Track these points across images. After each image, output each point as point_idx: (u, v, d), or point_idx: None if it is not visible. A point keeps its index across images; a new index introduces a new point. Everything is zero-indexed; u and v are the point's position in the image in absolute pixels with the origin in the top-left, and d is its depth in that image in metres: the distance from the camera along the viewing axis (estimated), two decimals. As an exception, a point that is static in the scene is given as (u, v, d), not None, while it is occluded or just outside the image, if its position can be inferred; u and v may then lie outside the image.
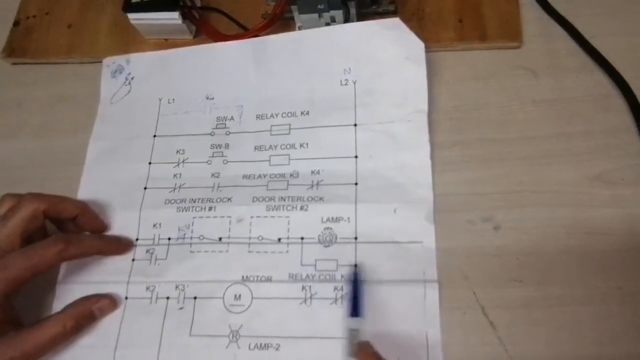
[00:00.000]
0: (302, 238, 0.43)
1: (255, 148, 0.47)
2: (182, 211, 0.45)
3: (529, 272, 0.40)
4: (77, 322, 0.40)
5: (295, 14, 0.48)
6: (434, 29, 0.49)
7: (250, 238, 0.44)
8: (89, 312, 0.41)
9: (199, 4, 0.52)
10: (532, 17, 0.49)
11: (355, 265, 0.41)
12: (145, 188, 0.47)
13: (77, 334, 0.41)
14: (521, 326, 0.39)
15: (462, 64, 0.48)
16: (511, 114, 0.45)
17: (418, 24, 0.49)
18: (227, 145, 0.48)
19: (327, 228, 0.43)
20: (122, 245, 0.45)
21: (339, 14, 0.47)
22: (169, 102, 0.50)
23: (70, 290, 0.44)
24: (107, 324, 0.42)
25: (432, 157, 0.44)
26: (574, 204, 0.42)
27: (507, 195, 0.43)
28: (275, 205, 0.44)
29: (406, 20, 0.46)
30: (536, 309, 0.39)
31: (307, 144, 0.46)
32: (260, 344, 0.40)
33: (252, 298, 0.42)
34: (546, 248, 0.41)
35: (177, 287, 0.43)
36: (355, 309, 0.39)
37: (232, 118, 0.49)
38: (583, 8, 0.48)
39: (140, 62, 0.52)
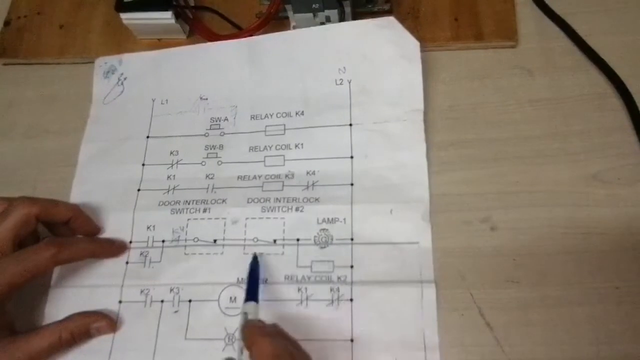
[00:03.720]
0: (297, 239, 0.43)
1: (249, 149, 0.47)
2: (177, 213, 0.45)
3: (526, 273, 0.40)
4: (73, 336, 0.40)
5: (290, 14, 0.48)
6: (429, 28, 0.49)
7: (245, 240, 0.43)
8: (85, 329, 0.41)
9: (192, 3, 0.52)
10: (527, 15, 0.49)
11: (254, 254, 0.42)
12: (138, 190, 0.47)
13: (71, 347, 0.40)
14: (518, 327, 0.39)
15: (457, 64, 0.48)
16: (507, 114, 0.45)
17: (413, 23, 0.49)
18: (221, 146, 0.47)
19: (323, 229, 0.43)
20: (115, 248, 0.44)
21: (334, 13, 0.46)
22: (162, 103, 0.50)
23: (63, 294, 0.43)
24: (102, 328, 0.42)
25: (428, 157, 0.44)
26: (571, 203, 0.42)
27: (503, 196, 0.43)
28: (270, 207, 0.44)
29: (401, 20, 0.46)
30: (533, 310, 0.39)
31: (302, 144, 0.46)
32: (257, 347, 0.40)
33: (248, 300, 0.41)
34: (543, 248, 0.41)
35: (171, 290, 0.42)
36: (250, 294, 0.39)
37: (226, 119, 0.48)
38: (579, 6, 0.48)
39: (132, 62, 0.51)
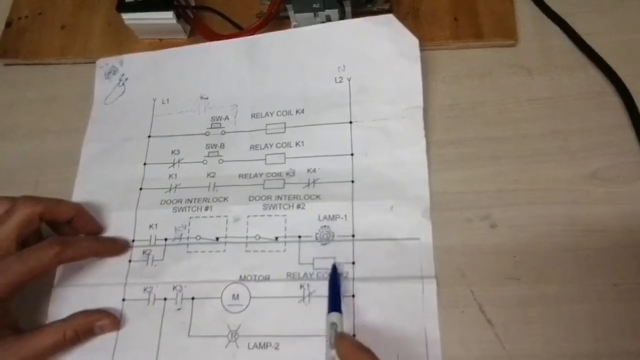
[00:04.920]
0: (299, 236, 0.43)
1: (250, 147, 0.47)
2: (179, 211, 0.45)
3: (526, 270, 0.40)
4: (77, 334, 0.40)
5: (291, 13, 0.48)
6: (429, 27, 0.49)
7: (247, 237, 0.44)
8: (89, 327, 0.41)
9: (193, 3, 0.52)
10: (527, 15, 0.49)
11: (334, 264, 0.41)
12: (140, 189, 0.47)
13: (75, 345, 0.41)
14: (518, 324, 0.39)
15: (457, 63, 0.48)
16: (507, 112, 0.46)
17: (413, 23, 0.49)
18: (222, 145, 0.48)
19: (324, 226, 0.43)
20: (118, 247, 0.44)
21: (334, 12, 0.47)
22: (163, 103, 0.50)
23: (66, 293, 0.43)
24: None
25: (428, 155, 0.44)
26: (570, 201, 0.42)
27: (503, 194, 0.43)
28: (271, 204, 0.44)
29: (401, 19, 0.47)
30: (533, 307, 0.39)
31: (302, 142, 0.46)
32: (260, 344, 0.40)
33: (250, 297, 0.42)
34: (542, 246, 0.41)
35: (174, 288, 0.43)
36: (334, 305, 0.39)
37: (227, 117, 0.48)
38: (577, 6, 0.48)
39: (133, 62, 0.51)
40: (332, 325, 0.37)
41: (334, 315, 0.38)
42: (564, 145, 0.44)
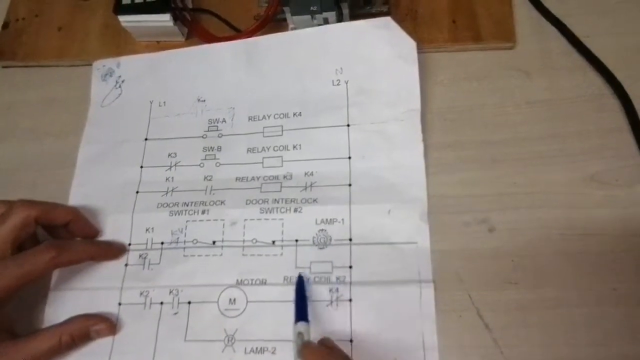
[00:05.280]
0: (296, 240, 0.43)
1: (247, 150, 0.47)
2: (175, 215, 0.45)
3: (524, 274, 0.40)
4: (73, 338, 0.40)
5: (288, 16, 0.48)
6: (427, 30, 0.49)
7: (244, 241, 0.43)
8: (85, 332, 0.41)
9: (190, 5, 0.52)
10: (525, 17, 0.48)
11: (300, 274, 0.41)
12: (137, 192, 0.47)
13: (71, 350, 0.40)
14: (516, 328, 0.39)
15: (455, 65, 0.48)
16: (505, 115, 0.45)
17: (411, 25, 0.49)
18: (219, 148, 0.47)
19: (322, 230, 0.43)
20: (114, 251, 0.44)
21: (332, 15, 0.46)
22: (160, 105, 0.50)
23: (63, 297, 0.43)
24: (101, 330, 0.42)
25: (426, 158, 0.44)
26: (568, 205, 0.42)
27: (501, 197, 0.43)
28: (269, 208, 0.44)
29: (399, 21, 0.46)
30: (531, 311, 0.39)
31: (300, 145, 0.46)
32: (256, 348, 0.40)
33: (247, 302, 0.42)
34: (541, 250, 0.41)
35: (171, 292, 0.43)
36: (301, 314, 0.39)
37: (224, 120, 0.48)
38: (576, 8, 0.48)
39: (130, 64, 0.51)
40: (299, 335, 0.37)
41: (301, 325, 0.38)
42: (563, 148, 0.44)
